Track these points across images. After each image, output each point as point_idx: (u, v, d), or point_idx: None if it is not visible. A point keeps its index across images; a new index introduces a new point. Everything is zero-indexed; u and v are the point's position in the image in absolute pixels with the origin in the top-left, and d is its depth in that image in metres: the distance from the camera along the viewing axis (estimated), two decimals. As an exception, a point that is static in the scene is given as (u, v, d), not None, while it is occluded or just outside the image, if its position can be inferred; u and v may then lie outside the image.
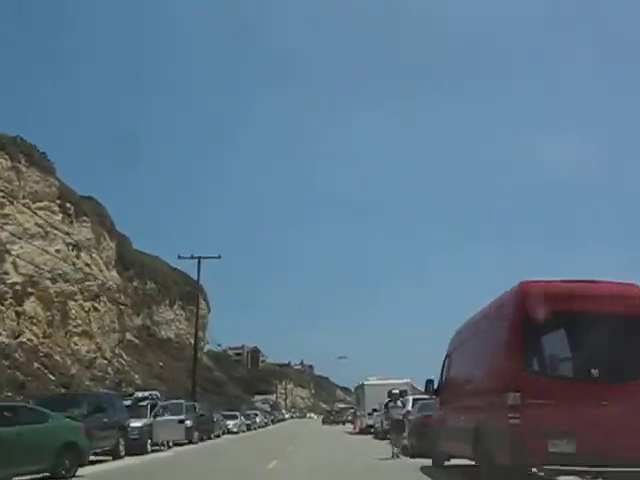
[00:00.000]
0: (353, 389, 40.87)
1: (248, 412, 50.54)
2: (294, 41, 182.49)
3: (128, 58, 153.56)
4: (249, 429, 44.13)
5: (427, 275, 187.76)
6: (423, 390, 15.18)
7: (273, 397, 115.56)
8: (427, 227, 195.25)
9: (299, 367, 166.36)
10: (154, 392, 23.95)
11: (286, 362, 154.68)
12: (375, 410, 30.84)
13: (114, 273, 55.69)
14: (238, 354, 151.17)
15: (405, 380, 33.87)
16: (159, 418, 20.99)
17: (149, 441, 20.28)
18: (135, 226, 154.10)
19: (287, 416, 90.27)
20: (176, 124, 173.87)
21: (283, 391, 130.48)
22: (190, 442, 25.55)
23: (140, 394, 23.04)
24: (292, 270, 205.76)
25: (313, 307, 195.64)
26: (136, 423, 19.52)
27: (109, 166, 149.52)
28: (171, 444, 22.72)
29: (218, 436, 33.33)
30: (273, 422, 67.58)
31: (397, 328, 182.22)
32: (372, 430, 32.62)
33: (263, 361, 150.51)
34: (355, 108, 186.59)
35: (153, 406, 21.26)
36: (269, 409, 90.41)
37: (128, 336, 59.58)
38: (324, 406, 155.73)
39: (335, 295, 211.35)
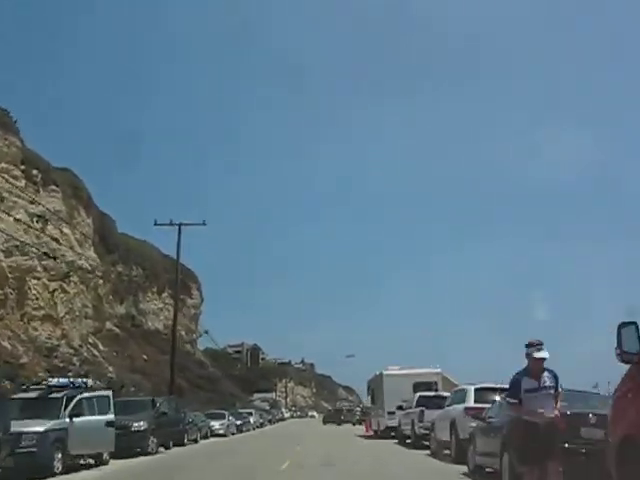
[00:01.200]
0: (367, 382, 32.64)
1: (241, 411, 42.40)
2: (294, 41, 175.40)
3: (128, 58, 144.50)
4: (240, 431, 36.08)
5: (427, 275, 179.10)
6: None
7: (273, 395, 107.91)
8: (427, 227, 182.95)
9: (300, 365, 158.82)
10: (82, 379, 15.63)
11: (287, 360, 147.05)
12: (400, 407, 22.73)
13: (91, 253, 47.73)
14: (237, 352, 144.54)
15: (434, 370, 25.91)
16: (78, 418, 12.93)
17: (59, 456, 12.19)
18: (132, 222, 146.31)
19: (287, 415, 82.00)
20: (176, 123, 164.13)
21: (284, 390, 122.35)
22: (146, 452, 17.54)
23: (55, 380, 14.84)
24: (292, 269, 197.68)
25: (313, 306, 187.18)
26: (32, 427, 11.54)
27: (110, 164, 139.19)
28: (107, 457, 14.65)
29: (195, 441, 25.25)
30: (271, 422, 59.44)
31: (397, 328, 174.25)
32: (393, 433, 24.61)
33: (263, 359, 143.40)
34: (355, 108, 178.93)
35: (70, 399, 13.13)
36: (268, 408, 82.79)
37: (108, 325, 51.77)
38: (326, 405, 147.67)
39: (335, 294, 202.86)
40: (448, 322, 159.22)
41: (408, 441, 20.77)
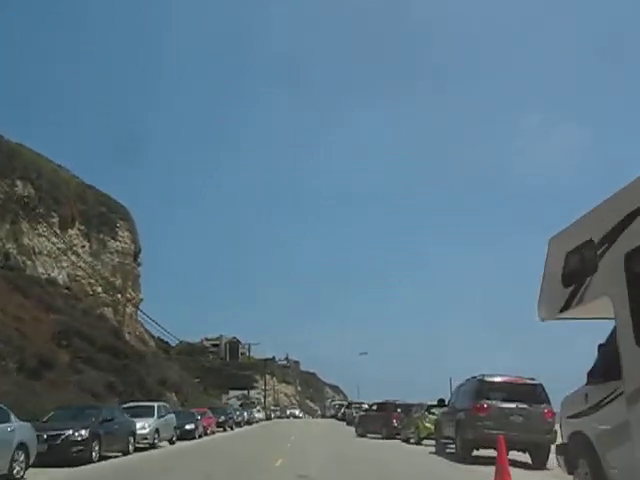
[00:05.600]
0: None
1: (115, 408, 16.83)
2: (294, 42, 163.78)
3: (131, 59, 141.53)
4: (98, 457, 11.94)
5: (426, 275, 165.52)
6: None
7: (246, 393, 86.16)
8: (427, 227, 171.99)
9: (284, 362, 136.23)
10: None
11: (270, 357, 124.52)
12: None
13: None
14: (215, 345, 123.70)
15: None
16: None
17: None
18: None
19: (259, 415, 57.47)
20: (176, 124, 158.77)
21: (266, 387, 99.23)
22: None
23: None
24: (287, 269, 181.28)
25: (302, 306, 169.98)
26: None
27: (110, 163, 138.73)
28: None
29: None
30: (225, 427, 35.28)
31: (396, 328, 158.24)
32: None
33: (243, 353, 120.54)
34: (354, 108, 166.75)
35: None
36: (237, 406, 59.43)
37: None
38: (311, 404, 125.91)
39: (325, 294, 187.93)
40: (447, 323, 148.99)
41: None
